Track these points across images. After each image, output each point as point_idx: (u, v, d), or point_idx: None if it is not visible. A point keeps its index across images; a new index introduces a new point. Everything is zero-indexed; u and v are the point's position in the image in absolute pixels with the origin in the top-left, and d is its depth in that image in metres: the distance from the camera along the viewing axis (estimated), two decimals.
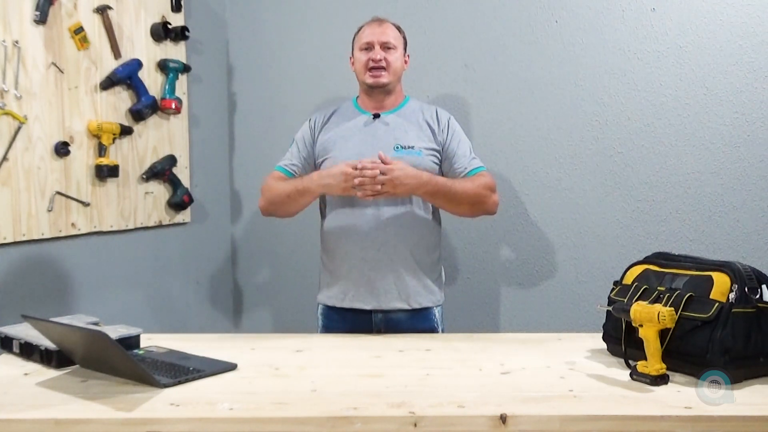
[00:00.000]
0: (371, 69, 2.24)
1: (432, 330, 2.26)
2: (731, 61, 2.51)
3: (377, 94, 2.29)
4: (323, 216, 2.33)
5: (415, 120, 2.29)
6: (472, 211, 2.27)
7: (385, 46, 2.26)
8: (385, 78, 2.25)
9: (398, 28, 2.34)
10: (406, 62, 2.34)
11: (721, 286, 1.64)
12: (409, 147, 2.23)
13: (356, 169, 2.08)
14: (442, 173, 2.26)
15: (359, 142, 2.24)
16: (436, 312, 2.29)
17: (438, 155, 2.27)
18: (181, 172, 2.95)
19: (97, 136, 2.57)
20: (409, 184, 2.11)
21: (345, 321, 2.25)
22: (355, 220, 2.21)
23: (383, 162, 2.08)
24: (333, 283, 2.28)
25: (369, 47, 2.26)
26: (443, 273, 2.36)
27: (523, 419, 1.42)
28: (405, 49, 2.34)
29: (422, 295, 2.25)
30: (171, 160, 2.88)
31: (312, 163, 2.32)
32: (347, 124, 2.30)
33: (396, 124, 2.28)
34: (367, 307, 2.22)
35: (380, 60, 2.24)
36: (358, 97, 2.38)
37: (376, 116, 2.29)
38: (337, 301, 2.26)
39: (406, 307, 2.23)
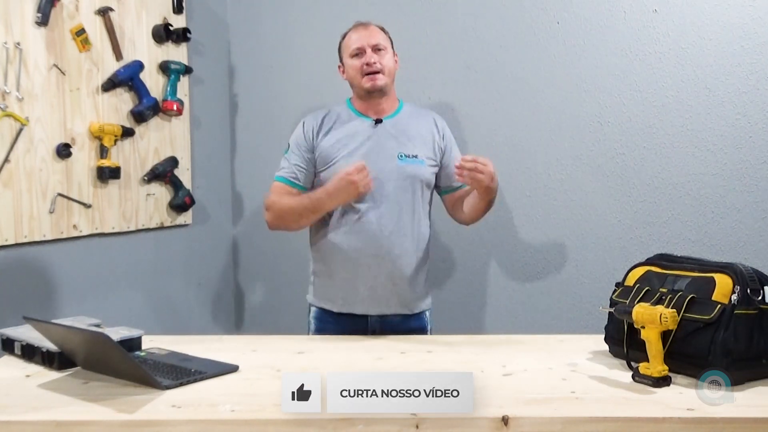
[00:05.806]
0: (367, 74, 2.23)
1: (423, 329, 2.31)
2: (733, 63, 2.51)
3: (375, 98, 2.26)
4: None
5: (414, 126, 2.30)
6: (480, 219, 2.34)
7: (376, 49, 2.24)
8: (381, 80, 2.23)
9: (383, 30, 2.31)
10: (395, 62, 2.32)
11: (723, 287, 1.64)
12: (412, 156, 2.24)
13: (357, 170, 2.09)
14: (436, 181, 2.31)
15: (364, 150, 2.23)
16: (428, 313, 2.35)
17: (437, 164, 2.30)
18: (183, 173, 2.95)
19: (99, 138, 2.57)
20: (495, 185, 2.14)
21: (340, 324, 2.25)
22: (357, 227, 2.19)
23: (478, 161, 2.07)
24: (330, 288, 2.27)
25: (360, 52, 2.24)
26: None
27: (525, 421, 1.42)
28: (393, 49, 2.31)
29: (419, 300, 2.30)
30: (172, 161, 2.89)
31: (312, 170, 2.27)
32: (347, 130, 2.27)
33: (398, 131, 2.27)
34: (368, 313, 2.23)
35: (375, 63, 2.22)
36: (351, 98, 2.34)
37: (378, 122, 2.28)
38: (335, 306, 2.26)
39: (406, 312, 2.26)
